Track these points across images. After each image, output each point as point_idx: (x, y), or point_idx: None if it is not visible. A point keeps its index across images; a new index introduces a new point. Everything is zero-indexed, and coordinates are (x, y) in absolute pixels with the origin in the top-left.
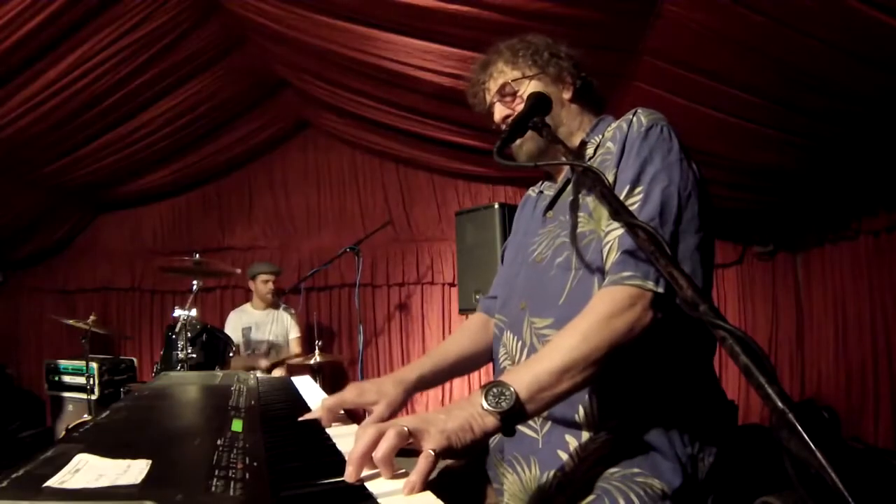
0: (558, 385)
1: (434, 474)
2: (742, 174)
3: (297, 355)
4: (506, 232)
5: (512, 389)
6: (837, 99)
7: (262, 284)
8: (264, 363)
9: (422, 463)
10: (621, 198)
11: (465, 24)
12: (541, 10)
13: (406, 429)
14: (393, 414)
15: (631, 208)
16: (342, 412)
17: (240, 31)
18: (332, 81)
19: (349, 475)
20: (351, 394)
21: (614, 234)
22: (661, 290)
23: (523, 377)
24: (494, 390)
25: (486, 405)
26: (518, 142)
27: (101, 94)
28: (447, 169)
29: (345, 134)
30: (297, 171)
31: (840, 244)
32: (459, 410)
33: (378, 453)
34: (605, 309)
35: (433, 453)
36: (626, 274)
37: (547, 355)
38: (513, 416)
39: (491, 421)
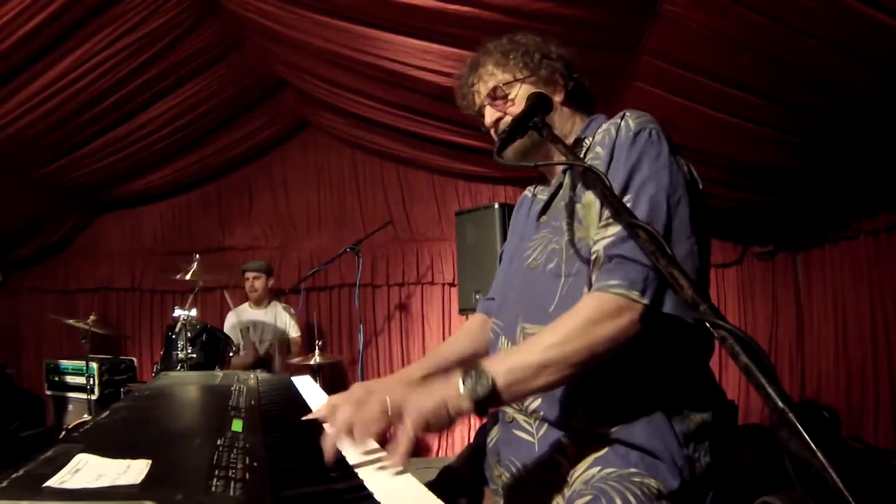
0: (534, 380)
1: (434, 475)
2: (742, 174)
3: (297, 354)
4: (506, 232)
5: (489, 377)
6: (837, 99)
7: (245, 282)
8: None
9: (402, 442)
10: None
11: (465, 24)
12: (541, 10)
13: (388, 405)
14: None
15: None
16: None
17: (240, 31)
18: (332, 81)
19: (327, 451)
20: (358, 393)
21: (601, 242)
22: (647, 301)
23: (501, 367)
24: (473, 374)
25: (462, 389)
26: (518, 142)
27: (101, 94)
28: (447, 169)
29: (345, 134)
30: (297, 171)
31: (840, 244)
32: (438, 391)
33: (361, 424)
34: (590, 314)
35: (412, 433)
36: (612, 282)
37: (527, 349)
38: (486, 402)
39: (466, 404)
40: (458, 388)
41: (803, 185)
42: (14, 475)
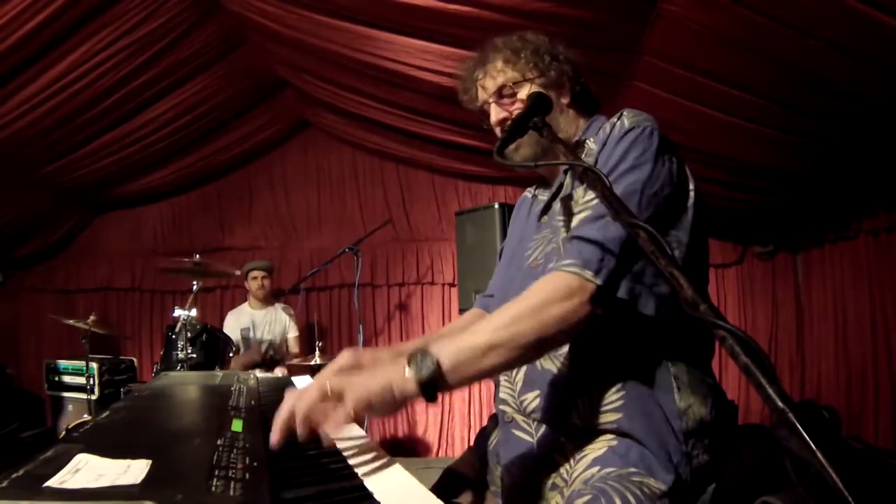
0: (481, 361)
1: (435, 476)
2: (742, 174)
3: (295, 355)
4: (506, 232)
5: (434, 358)
6: (837, 99)
7: (252, 281)
8: (258, 357)
9: (338, 413)
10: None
11: (465, 24)
12: (541, 9)
13: (328, 387)
14: None
15: (590, 204)
16: None
17: (240, 31)
18: (332, 81)
19: (272, 442)
20: (346, 358)
21: (575, 225)
22: (599, 282)
23: (448, 348)
24: (418, 357)
25: (408, 371)
26: (517, 142)
27: (101, 94)
28: (447, 169)
29: (345, 134)
30: (297, 171)
31: (840, 244)
32: (384, 371)
33: (298, 412)
34: (541, 296)
35: (348, 409)
36: (566, 261)
37: (476, 331)
38: (432, 384)
39: (411, 387)
40: (403, 370)
41: (803, 185)
42: (14, 475)
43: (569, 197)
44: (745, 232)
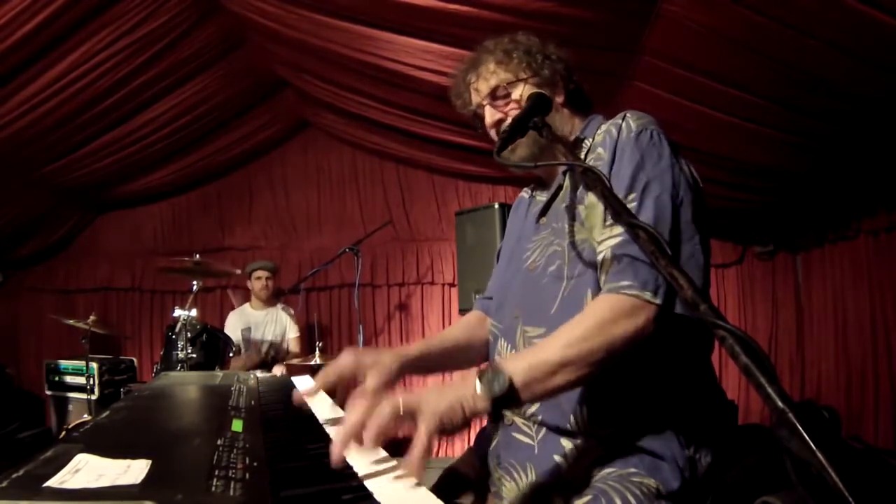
0: (552, 378)
1: (436, 476)
2: (742, 174)
3: (295, 355)
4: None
5: (506, 375)
6: (837, 99)
7: (256, 281)
8: (258, 358)
9: (417, 445)
10: None
11: (465, 23)
12: (541, 9)
13: (400, 404)
14: (385, 384)
15: None
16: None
17: (240, 31)
18: (332, 81)
19: (334, 454)
20: (347, 360)
21: (607, 243)
22: (659, 301)
23: (519, 365)
24: (489, 374)
25: (479, 388)
26: (517, 142)
27: (101, 94)
28: (447, 169)
29: (345, 134)
30: (297, 171)
31: (840, 244)
32: (452, 391)
33: (372, 428)
34: (606, 314)
35: (426, 435)
36: (624, 283)
37: (545, 348)
38: (504, 401)
39: (482, 404)
40: (473, 387)
41: (803, 185)
42: (14, 475)
43: (572, 199)
44: (745, 232)
